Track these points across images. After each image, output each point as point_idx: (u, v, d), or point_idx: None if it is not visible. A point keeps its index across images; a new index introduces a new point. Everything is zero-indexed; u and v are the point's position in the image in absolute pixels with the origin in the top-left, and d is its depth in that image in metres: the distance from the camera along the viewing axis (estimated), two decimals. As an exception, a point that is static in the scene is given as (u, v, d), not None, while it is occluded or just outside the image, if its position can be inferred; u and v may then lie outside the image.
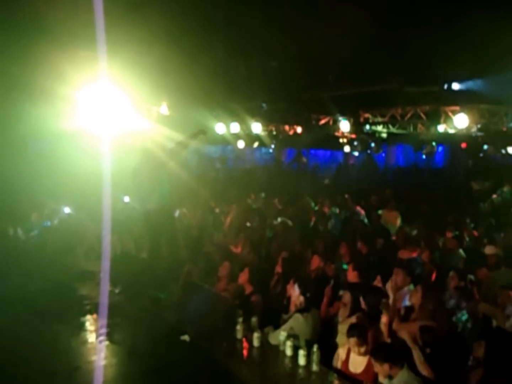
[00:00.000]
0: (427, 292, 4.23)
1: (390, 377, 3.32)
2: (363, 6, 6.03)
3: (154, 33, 6.12)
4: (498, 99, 9.06)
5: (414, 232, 7.78)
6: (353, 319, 3.98)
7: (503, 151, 13.29)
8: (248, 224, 8.30)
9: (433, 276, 5.58)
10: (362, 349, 3.60)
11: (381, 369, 3.33)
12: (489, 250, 6.22)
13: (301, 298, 4.31)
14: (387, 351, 3.37)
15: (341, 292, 4.69)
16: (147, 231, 5.84)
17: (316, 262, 5.67)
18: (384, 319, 3.92)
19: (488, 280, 5.17)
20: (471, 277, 5.10)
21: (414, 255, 6.04)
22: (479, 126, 10.05)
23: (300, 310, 4.27)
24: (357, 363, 3.68)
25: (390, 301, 4.45)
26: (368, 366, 3.58)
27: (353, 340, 3.61)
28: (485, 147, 13.86)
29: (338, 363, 3.88)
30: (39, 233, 7.89)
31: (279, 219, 8.48)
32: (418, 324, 3.84)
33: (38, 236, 7.80)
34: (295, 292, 4.37)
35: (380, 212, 9.25)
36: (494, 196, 11.03)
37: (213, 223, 8.65)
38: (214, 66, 7.46)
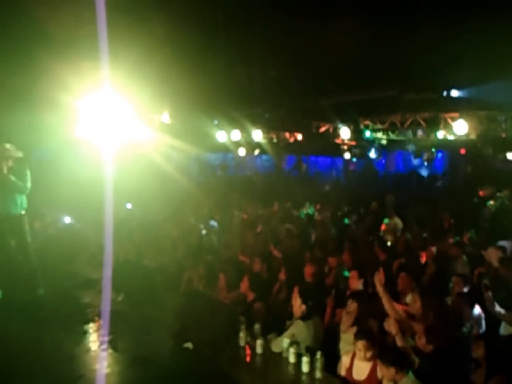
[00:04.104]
0: (426, 301, 4.20)
1: (394, 382, 3.32)
2: (362, 14, 6.11)
3: (155, 42, 6.17)
4: (496, 106, 9.12)
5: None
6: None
7: (502, 157, 13.31)
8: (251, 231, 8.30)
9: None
10: (369, 354, 3.57)
11: (386, 373, 3.33)
12: (492, 253, 6.17)
13: (303, 307, 4.31)
14: (395, 355, 3.37)
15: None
16: None
17: (310, 269, 5.61)
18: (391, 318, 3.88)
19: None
20: (486, 281, 4.92)
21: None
22: (478, 132, 10.10)
23: (301, 318, 4.27)
24: (361, 370, 3.67)
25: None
26: (372, 373, 3.58)
27: (361, 343, 3.58)
28: (486, 152, 13.88)
29: (342, 371, 3.86)
30: (41, 241, 7.88)
31: (285, 226, 8.49)
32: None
33: (40, 244, 7.79)
34: (296, 302, 4.37)
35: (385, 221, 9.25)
36: (492, 202, 11.03)
37: (214, 230, 8.66)
38: (215, 74, 7.51)
